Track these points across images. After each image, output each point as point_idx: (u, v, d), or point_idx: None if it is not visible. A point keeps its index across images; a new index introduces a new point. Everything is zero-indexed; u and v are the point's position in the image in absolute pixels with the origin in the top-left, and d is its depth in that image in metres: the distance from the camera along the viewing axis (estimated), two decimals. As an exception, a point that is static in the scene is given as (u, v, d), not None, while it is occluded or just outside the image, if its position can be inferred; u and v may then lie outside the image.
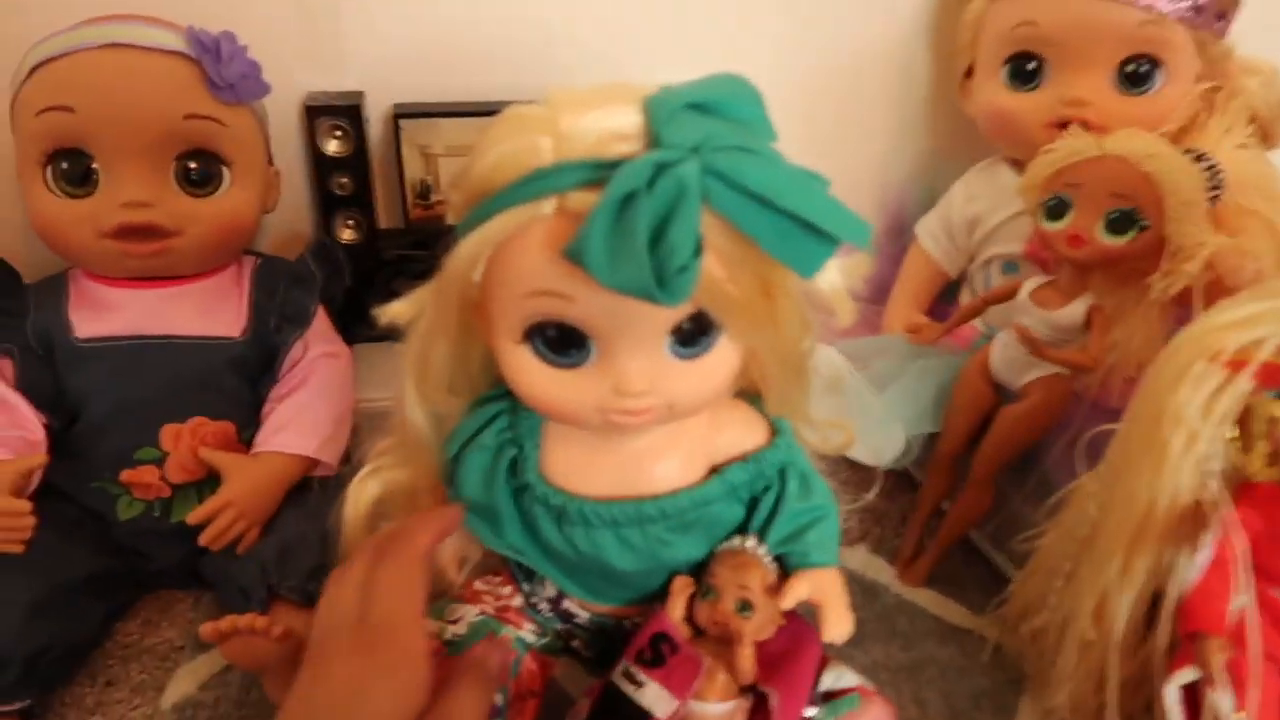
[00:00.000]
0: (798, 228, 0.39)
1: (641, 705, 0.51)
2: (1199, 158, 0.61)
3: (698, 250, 0.38)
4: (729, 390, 0.53)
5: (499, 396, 0.53)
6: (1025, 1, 0.74)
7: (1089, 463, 0.57)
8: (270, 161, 0.75)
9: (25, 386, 0.67)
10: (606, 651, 0.58)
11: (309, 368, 0.73)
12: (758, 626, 0.50)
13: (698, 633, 0.53)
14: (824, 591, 0.51)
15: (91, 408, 0.68)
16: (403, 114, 0.84)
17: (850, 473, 0.77)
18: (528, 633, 0.60)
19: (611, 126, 0.40)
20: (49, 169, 0.66)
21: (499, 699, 0.56)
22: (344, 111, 0.82)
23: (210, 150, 0.68)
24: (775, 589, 0.51)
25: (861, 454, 0.68)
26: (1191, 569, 0.47)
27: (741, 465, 0.52)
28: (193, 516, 0.65)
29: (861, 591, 0.72)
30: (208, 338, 0.70)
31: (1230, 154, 0.66)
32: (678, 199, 0.38)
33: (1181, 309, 0.63)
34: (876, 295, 0.87)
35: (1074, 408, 0.66)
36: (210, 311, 0.70)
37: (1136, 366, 0.64)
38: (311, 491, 0.72)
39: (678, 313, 0.43)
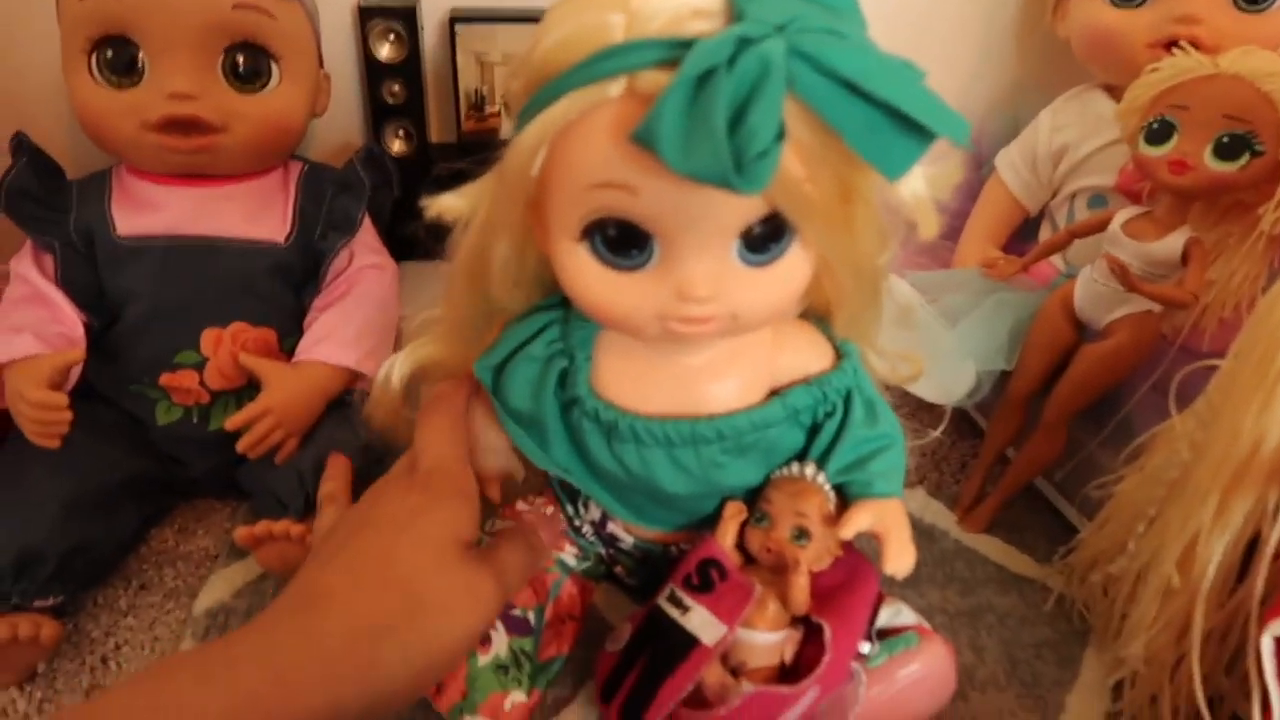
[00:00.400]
0: (888, 120, 0.36)
1: (688, 630, 0.48)
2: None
3: (780, 135, 0.35)
4: (796, 308, 0.50)
5: (551, 306, 0.50)
6: (1133, -89, 0.68)
7: (1181, 404, 0.53)
8: (320, 64, 0.72)
9: (66, 283, 0.66)
10: (650, 580, 0.56)
11: (353, 278, 0.71)
12: (814, 556, 0.48)
13: (748, 561, 0.51)
14: (886, 523, 0.48)
15: (131, 308, 0.66)
16: (459, 18, 0.80)
17: (914, 410, 0.74)
18: (569, 555, 0.58)
19: (689, 1, 0.37)
20: (94, 57, 0.64)
21: (532, 618, 0.54)
22: (398, 14, 0.79)
23: (258, 44, 0.65)
24: (833, 519, 0.48)
25: (929, 391, 0.65)
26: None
27: (805, 388, 0.49)
28: (231, 421, 0.64)
29: (919, 534, 0.69)
30: (251, 241, 0.68)
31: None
32: (761, 78, 0.34)
33: (1288, 247, 0.59)
34: (950, 231, 0.82)
35: (1160, 350, 0.62)
36: (255, 215, 0.68)
37: (1234, 307, 0.60)
38: (350, 405, 0.70)
39: (749, 213, 0.40)
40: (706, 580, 0.49)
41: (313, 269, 0.70)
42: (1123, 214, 0.61)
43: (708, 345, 0.47)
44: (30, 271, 0.66)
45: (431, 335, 0.53)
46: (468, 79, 0.82)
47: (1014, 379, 0.66)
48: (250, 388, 0.67)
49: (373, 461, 0.64)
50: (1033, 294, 0.69)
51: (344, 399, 0.70)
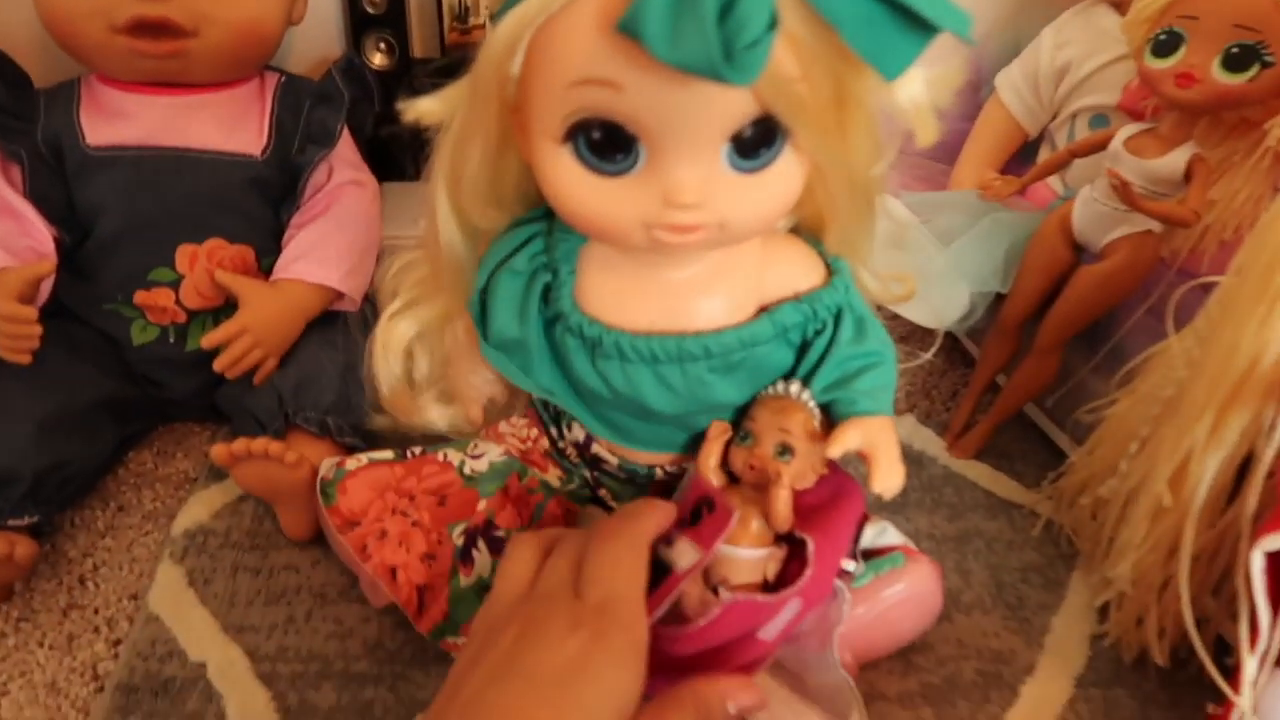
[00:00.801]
0: (886, 13, 0.34)
1: (666, 561, 0.47)
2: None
3: (772, 24, 0.33)
4: (787, 221, 0.48)
5: (535, 219, 0.48)
6: None
7: (1178, 327, 0.52)
8: (296, -33, 0.69)
9: (35, 196, 0.64)
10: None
11: (333, 194, 0.69)
12: (797, 472, 0.46)
13: (733, 480, 0.50)
14: (874, 441, 0.47)
15: (103, 222, 0.65)
16: (442, -77, 0.77)
17: (905, 335, 0.73)
18: (552, 477, 0.58)
19: (678, -119, 0.34)
20: (57, -45, 0.61)
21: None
22: (379, -83, 0.76)
23: (230, -57, 0.62)
24: (819, 436, 0.47)
25: (921, 315, 0.63)
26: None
27: (794, 305, 0.47)
28: (207, 339, 0.62)
29: (908, 461, 0.66)
30: (226, 153, 0.65)
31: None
32: (753, -38, 0.32)
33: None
34: (945, 155, 0.80)
35: (1157, 274, 0.60)
36: (229, 126, 0.66)
37: (1235, 229, 0.58)
38: (336, 327, 0.68)
39: (739, 114, 0.38)
40: (696, 516, 0.48)
41: (291, 185, 0.68)
42: (1125, 130, 0.59)
43: (695, 259, 0.46)
44: (-3, 183, 0.64)
45: (421, 290, 0.52)
46: (452, -12, 0.79)
47: (1008, 302, 0.65)
48: (228, 307, 0.66)
49: (356, 386, 0.63)
50: (1030, 215, 0.68)
51: (329, 322, 0.69)
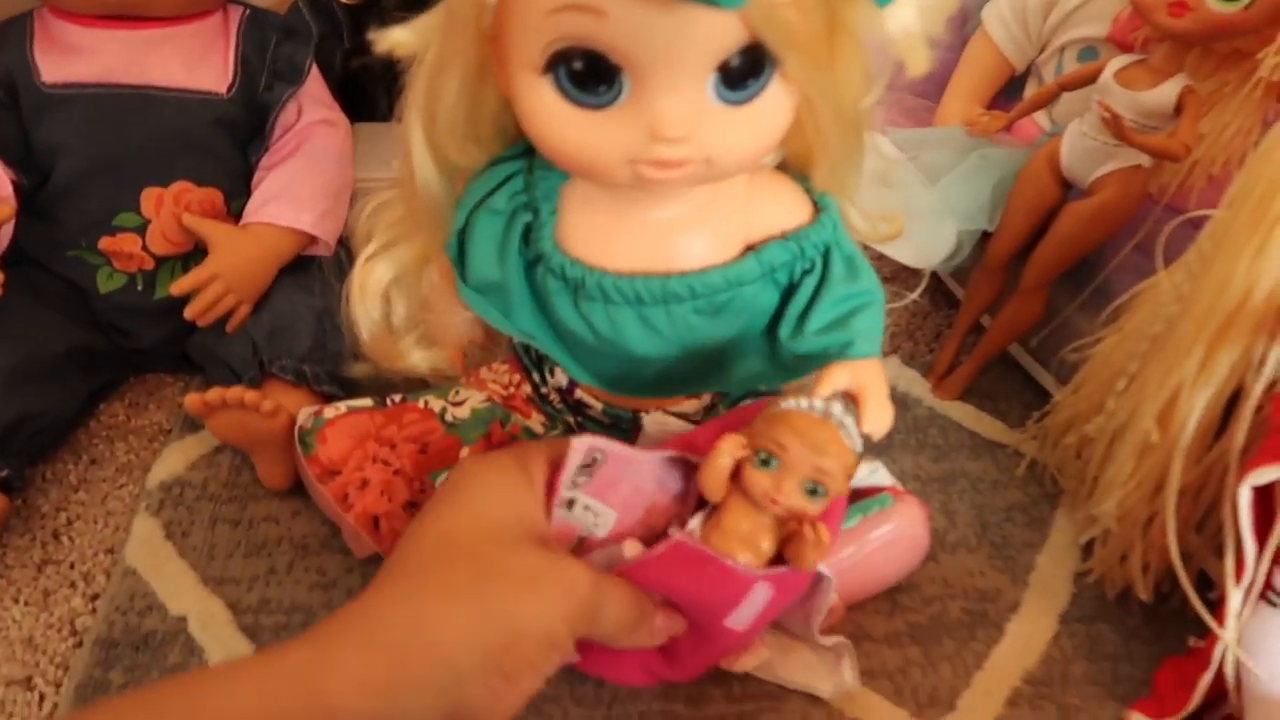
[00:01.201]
0: (880, -66, 0.33)
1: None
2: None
3: (762, -57, 0.31)
4: (773, 156, 0.47)
5: (514, 156, 0.47)
6: None
7: (1167, 263, 0.51)
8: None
9: (-11, 137, 0.61)
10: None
11: (303, 134, 0.66)
12: (824, 505, 0.42)
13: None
14: (863, 381, 0.46)
15: (62, 164, 0.62)
16: None
17: (890, 275, 0.72)
18: (536, 423, 0.57)
19: None
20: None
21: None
22: None
23: None
24: (852, 471, 0.42)
25: (907, 254, 0.62)
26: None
27: (781, 244, 0.46)
28: (176, 285, 0.61)
29: (892, 402, 0.68)
30: (190, 91, 0.63)
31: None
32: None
33: (1281, 103, 0.56)
34: (930, 91, 0.79)
35: (1145, 211, 0.60)
36: (193, 62, 0.63)
37: (1224, 164, 0.58)
38: (310, 273, 0.67)
39: (726, 42, 0.37)
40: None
41: (258, 125, 0.66)
42: (1115, 62, 0.58)
43: (680, 196, 0.44)
44: (-51, 125, 0.61)
45: (397, 232, 0.50)
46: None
47: (995, 239, 0.64)
48: (198, 253, 0.64)
49: (332, 332, 0.61)
50: (1017, 151, 0.66)
51: (304, 268, 0.67)
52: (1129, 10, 0.62)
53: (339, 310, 0.52)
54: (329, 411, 0.55)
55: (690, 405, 0.53)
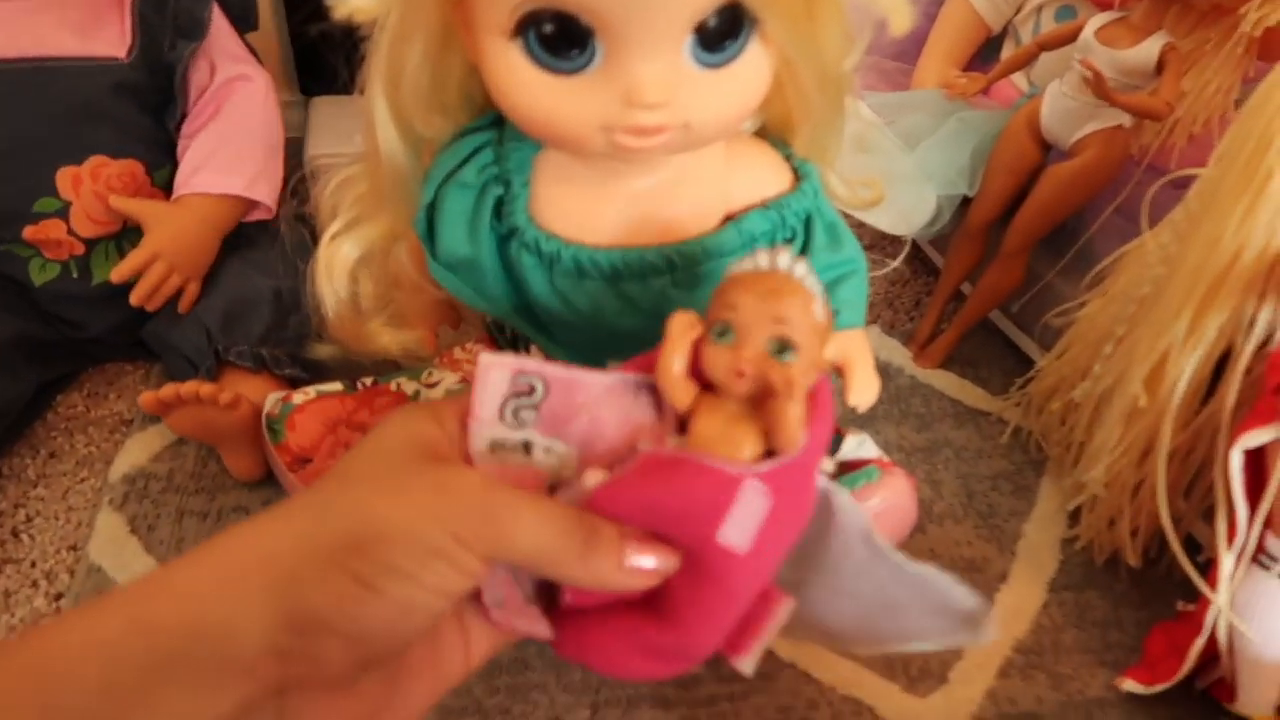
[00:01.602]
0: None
1: None
2: None
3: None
4: (752, 121, 0.46)
5: (483, 127, 0.45)
6: None
7: (1151, 224, 0.50)
8: None
9: None
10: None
11: (220, 94, 0.63)
12: (800, 372, 0.35)
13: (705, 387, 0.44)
14: (849, 352, 0.45)
15: (-39, 150, 0.58)
16: None
17: (870, 243, 0.71)
18: (513, 403, 0.55)
19: None
20: None
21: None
22: None
23: None
24: (821, 326, 0.35)
25: (888, 221, 0.61)
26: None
27: (762, 213, 0.44)
28: (116, 273, 0.58)
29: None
30: (86, 59, 0.59)
31: None
32: None
33: (1263, 60, 0.56)
34: (906, 54, 0.77)
35: (1126, 173, 0.59)
36: (86, 28, 0.60)
37: (1204, 122, 0.57)
38: (261, 248, 0.64)
39: (703, 2, 0.35)
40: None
41: (167, 86, 0.62)
42: (1095, 20, 0.56)
43: (657, 165, 0.42)
44: None
45: (362, 208, 0.48)
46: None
47: (975, 204, 0.63)
48: (131, 230, 0.61)
49: (292, 311, 0.59)
50: (996, 114, 0.65)
51: (251, 239, 0.64)
52: (1108, -34, 0.61)
53: (300, 289, 0.50)
54: (297, 397, 0.53)
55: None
